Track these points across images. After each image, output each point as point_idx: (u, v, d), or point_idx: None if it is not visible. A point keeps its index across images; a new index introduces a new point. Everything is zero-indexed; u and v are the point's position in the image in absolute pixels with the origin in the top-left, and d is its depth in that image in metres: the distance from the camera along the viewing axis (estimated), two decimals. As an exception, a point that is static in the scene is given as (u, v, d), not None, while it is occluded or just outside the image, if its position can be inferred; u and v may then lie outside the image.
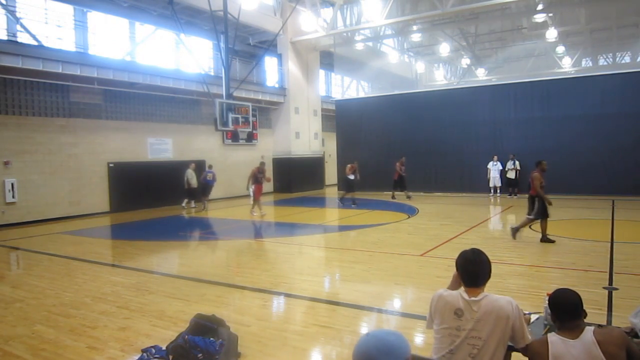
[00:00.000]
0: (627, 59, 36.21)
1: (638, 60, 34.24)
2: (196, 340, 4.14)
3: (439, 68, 41.13)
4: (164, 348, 4.31)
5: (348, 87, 33.01)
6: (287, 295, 6.49)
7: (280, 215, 16.12)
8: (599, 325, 2.60)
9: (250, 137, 20.67)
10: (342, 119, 24.05)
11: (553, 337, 2.47)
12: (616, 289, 6.08)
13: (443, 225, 12.23)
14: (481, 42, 32.80)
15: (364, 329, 5.21)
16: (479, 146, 19.34)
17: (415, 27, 27.85)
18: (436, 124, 20.56)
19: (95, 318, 5.55)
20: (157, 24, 18.15)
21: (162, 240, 11.58)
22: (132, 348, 4.58)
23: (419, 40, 31.89)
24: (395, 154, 19.83)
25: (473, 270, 2.76)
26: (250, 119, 20.11)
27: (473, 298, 2.68)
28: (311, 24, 23.19)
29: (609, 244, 8.96)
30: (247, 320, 5.26)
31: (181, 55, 19.55)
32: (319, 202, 20.70)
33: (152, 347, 4.37)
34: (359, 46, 29.53)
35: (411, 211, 14.98)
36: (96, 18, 16.48)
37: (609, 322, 4.75)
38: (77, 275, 7.89)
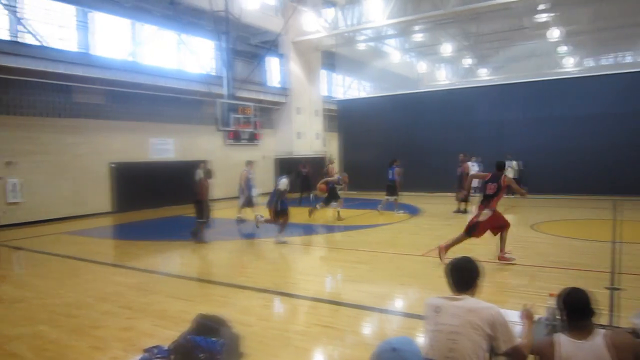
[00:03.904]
0: (628, 59, 36.16)
1: (639, 60, 34.18)
2: (198, 340, 4.14)
3: (441, 68, 41.10)
4: (166, 348, 4.31)
5: (349, 87, 33.00)
6: (290, 296, 6.49)
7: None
8: (609, 328, 2.60)
9: (252, 138, 20.68)
10: (344, 119, 24.06)
11: (561, 338, 2.47)
12: (618, 289, 6.06)
13: (446, 225, 12.21)
14: (483, 42, 32.73)
15: (367, 330, 5.22)
16: (481, 146, 19.27)
17: (417, 27, 27.83)
18: (438, 123, 20.55)
19: (98, 318, 5.56)
20: (159, 24, 18.17)
21: (165, 240, 11.59)
22: (135, 348, 4.59)
23: (421, 40, 31.84)
24: (398, 154, 19.84)
25: (458, 277, 2.90)
26: (252, 119, 20.15)
27: (455, 297, 2.81)
28: (313, 24, 23.21)
29: (611, 244, 8.94)
30: (249, 321, 5.26)
31: (183, 56, 19.57)
32: (321, 202, 20.67)
33: (154, 347, 4.37)
34: (361, 46, 29.54)
35: (414, 211, 14.97)
36: (98, 19, 16.50)
37: (611, 322, 4.74)
38: (80, 275, 7.90)
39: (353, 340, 4.80)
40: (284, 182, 10.28)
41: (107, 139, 16.60)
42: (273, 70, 24.44)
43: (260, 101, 21.88)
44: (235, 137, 19.92)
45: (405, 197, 18.35)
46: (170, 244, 11.12)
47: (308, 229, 12.83)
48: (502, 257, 7.66)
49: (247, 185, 13.47)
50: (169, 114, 18.87)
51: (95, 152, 16.23)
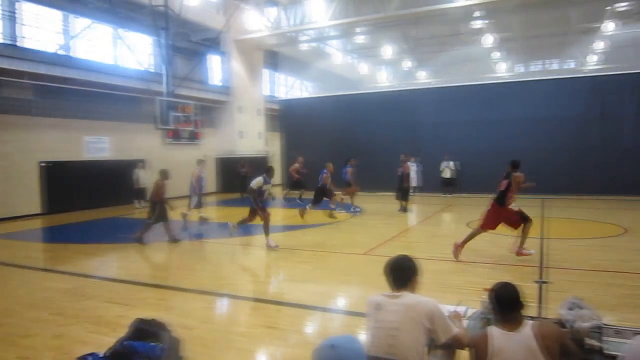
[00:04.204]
0: (555, 66, 38.47)
1: (565, 67, 36.44)
2: (136, 346, 4.01)
3: (382, 70, 41.94)
4: (101, 355, 4.14)
5: (292, 87, 33.02)
6: (232, 297, 6.42)
7: (225, 215, 15.89)
8: (537, 319, 2.76)
9: (193, 136, 20.26)
10: (287, 119, 24.02)
11: (493, 331, 2.60)
12: (546, 282, 6.43)
13: (387, 224, 12.48)
14: (422, 46, 33.72)
15: (310, 329, 5.24)
16: (422, 147, 19.85)
17: (358, 29, 28.26)
18: (380, 124, 20.94)
19: (27, 326, 5.25)
20: (93, 17, 17.38)
21: (100, 242, 11.12)
22: (67, 357, 4.38)
23: (362, 42, 32.37)
24: (340, 154, 20.10)
25: (397, 275, 2.98)
26: (193, 117, 19.73)
27: (394, 294, 2.89)
28: (255, 23, 23.04)
29: (539, 240, 9.47)
30: (190, 323, 5.15)
31: (120, 51, 18.84)
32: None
33: (88, 354, 4.19)
34: (304, 46, 29.63)
35: (356, 210, 15.18)
36: (27, 9, 15.56)
37: (540, 314, 5.02)
38: (7, 281, 7.44)
39: (296, 339, 4.81)
40: (257, 181, 9.62)
41: (37, 137, 15.69)
42: (214, 68, 24.03)
43: (201, 99, 21.47)
44: (175, 135, 19.44)
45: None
46: (106, 246, 10.68)
47: (250, 230, 12.73)
48: (520, 253, 7.84)
49: (198, 185, 13.24)
50: (105, 111, 18.10)
51: (24, 150, 15.30)
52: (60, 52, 16.38)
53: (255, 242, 10.98)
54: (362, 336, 4.75)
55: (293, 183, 18.24)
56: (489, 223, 8.04)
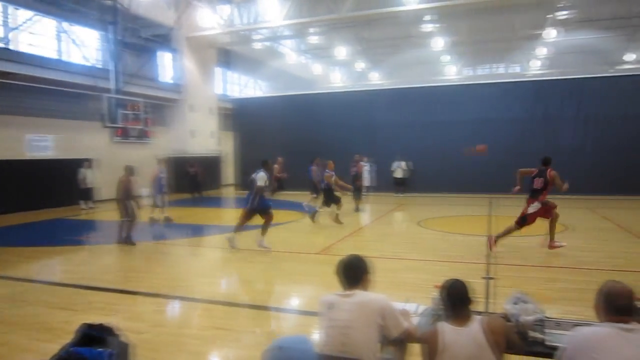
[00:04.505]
0: (501, 70, 39.95)
1: (510, 71, 37.91)
2: (82, 352, 3.85)
3: (335, 71, 42.22)
4: (45, 363, 3.96)
5: (245, 86, 32.71)
6: (184, 299, 6.29)
7: (177, 216, 15.56)
8: (485, 314, 2.86)
9: (143, 135, 19.69)
10: (240, 118, 23.79)
11: (444, 326, 2.67)
12: (493, 278, 6.67)
13: (341, 224, 12.57)
14: (375, 48, 34.21)
15: (263, 329, 5.22)
16: (375, 147, 20.12)
17: (312, 30, 28.33)
18: (334, 124, 21.07)
19: (-39, 335, 4.96)
20: (36, 9, 16.56)
21: (43, 245, 10.63)
22: (8, 365, 4.17)
23: (316, 43, 32.48)
24: (295, 153, 20.13)
25: (348, 274, 3.02)
26: (142, 115, 19.19)
27: (346, 293, 2.93)
28: (208, 20, 22.67)
29: (487, 238, 9.80)
30: (140, 327, 5.01)
31: (65, 46, 18.05)
32: (216, 202, 20.33)
33: (31, 362, 4.01)
34: (257, 45, 29.42)
35: (311, 210, 15.21)
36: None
37: (488, 309, 5.21)
38: (-62, 287, 6.99)
39: (248, 341, 4.78)
40: (261, 177, 8.92)
41: (-27, 134, 14.83)
42: (166, 65, 23.45)
43: (151, 97, 20.90)
44: (124, 134, 18.83)
45: (303, 197, 18.62)
46: (50, 249, 10.22)
47: (202, 230, 12.52)
48: (553, 246, 8.33)
49: (157, 185, 12.91)
50: (49, 108, 17.31)
51: (-42, 148, 14.43)
52: (0, 44, 15.53)
53: (213, 242, 10.81)
54: (316, 335, 4.79)
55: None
56: (534, 218, 8.42)
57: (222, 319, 5.46)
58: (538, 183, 8.39)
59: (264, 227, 9.08)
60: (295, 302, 6.35)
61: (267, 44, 30.93)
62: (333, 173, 12.39)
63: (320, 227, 12.11)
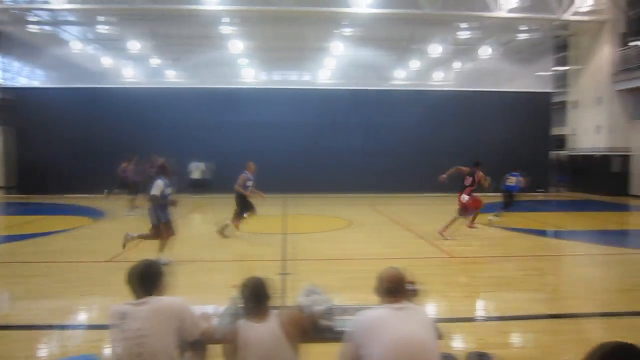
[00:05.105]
0: (294, 77, 42.43)
1: (302, 79, 40.54)
2: None
3: (129, 65, 39.54)
4: None
5: (20, 74, 28.35)
6: None
7: None
8: (281, 308, 3.01)
9: None
10: (15, 111, 20.61)
11: (243, 324, 2.73)
12: (288, 273, 7.06)
13: (134, 228, 11.82)
14: (172, 45, 33.06)
15: (43, 352, 4.61)
16: (171, 146, 19.35)
17: (102, 19, 26.08)
18: (126, 122, 19.77)
19: None
20: None
21: None
22: None
23: (107, 33, 29.94)
24: (82, 151, 18.36)
25: (140, 281, 2.86)
26: None
27: (139, 301, 2.79)
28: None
29: (282, 236, 10.34)
30: None
31: None
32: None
33: None
34: (35, 28, 25.81)
35: (97, 214, 13.97)
36: None
37: (284, 303, 5.49)
38: None
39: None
40: (157, 186, 7.72)
41: None
42: None
43: None
44: None
45: (85, 200, 17.00)
46: None
47: None
48: (471, 225, 11.15)
49: None
50: None
51: None
52: None
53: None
54: (107, 351, 4.42)
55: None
56: (470, 208, 10.43)
57: (-12, 345, 4.65)
58: (468, 181, 10.23)
59: (164, 244, 7.93)
60: (81, 317, 5.76)
61: (48, 28, 27.34)
62: (251, 177, 10.85)
63: (112, 232, 11.19)
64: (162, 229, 7.86)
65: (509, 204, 12.28)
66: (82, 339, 4.94)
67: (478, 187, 10.43)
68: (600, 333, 5.16)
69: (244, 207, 10.58)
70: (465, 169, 10.43)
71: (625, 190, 20.42)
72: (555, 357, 4.47)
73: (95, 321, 5.42)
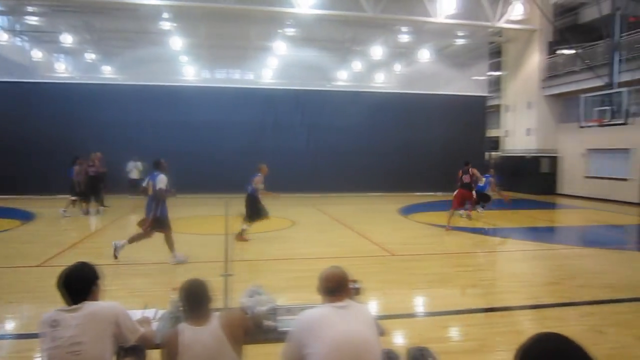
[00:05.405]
0: (237, 76, 41.96)
1: (245, 77, 40.16)
2: None
3: (61, 59, 37.65)
4: None
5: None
6: None
7: None
8: (223, 310, 2.96)
9: None
10: None
11: (183, 327, 2.66)
12: (231, 274, 6.97)
13: (66, 230, 11.30)
14: (108, 39, 31.79)
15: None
16: (107, 146, 18.63)
17: (31, 9, 24.68)
18: (58, 119, 18.83)
19: None
20: None
21: None
22: None
23: (36, 25, 28.35)
24: (14, 150, 17.40)
25: (72, 286, 2.72)
26: None
27: (72, 307, 2.65)
28: None
29: (224, 237, 10.20)
30: None
31: None
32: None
33: None
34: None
35: (27, 217, 13.21)
36: None
37: (227, 305, 5.42)
38: None
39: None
40: (162, 179, 7.60)
41: None
42: None
43: None
44: None
45: (17, 201, 16.06)
46: None
47: None
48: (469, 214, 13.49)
49: None
50: None
51: None
52: None
53: None
54: None
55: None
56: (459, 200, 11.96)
57: None
58: (467, 178, 11.70)
59: (169, 242, 7.88)
60: (8, 326, 5.41)
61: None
62: (262, 179, 10.25)
63: (40, 236, 10.63)
64: (151, 223, 7.74)
65: (485, 201, 14.04)
66: (10, 349, 4.65)
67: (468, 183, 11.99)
68: (531, 325, 5.45)
69: (254, 210, 9.96)
70: (474, 172, 12.06)
71: (553, 189, 21.73)
72: (491, 349, 4.67)
73: (24, 329, 5.12)
